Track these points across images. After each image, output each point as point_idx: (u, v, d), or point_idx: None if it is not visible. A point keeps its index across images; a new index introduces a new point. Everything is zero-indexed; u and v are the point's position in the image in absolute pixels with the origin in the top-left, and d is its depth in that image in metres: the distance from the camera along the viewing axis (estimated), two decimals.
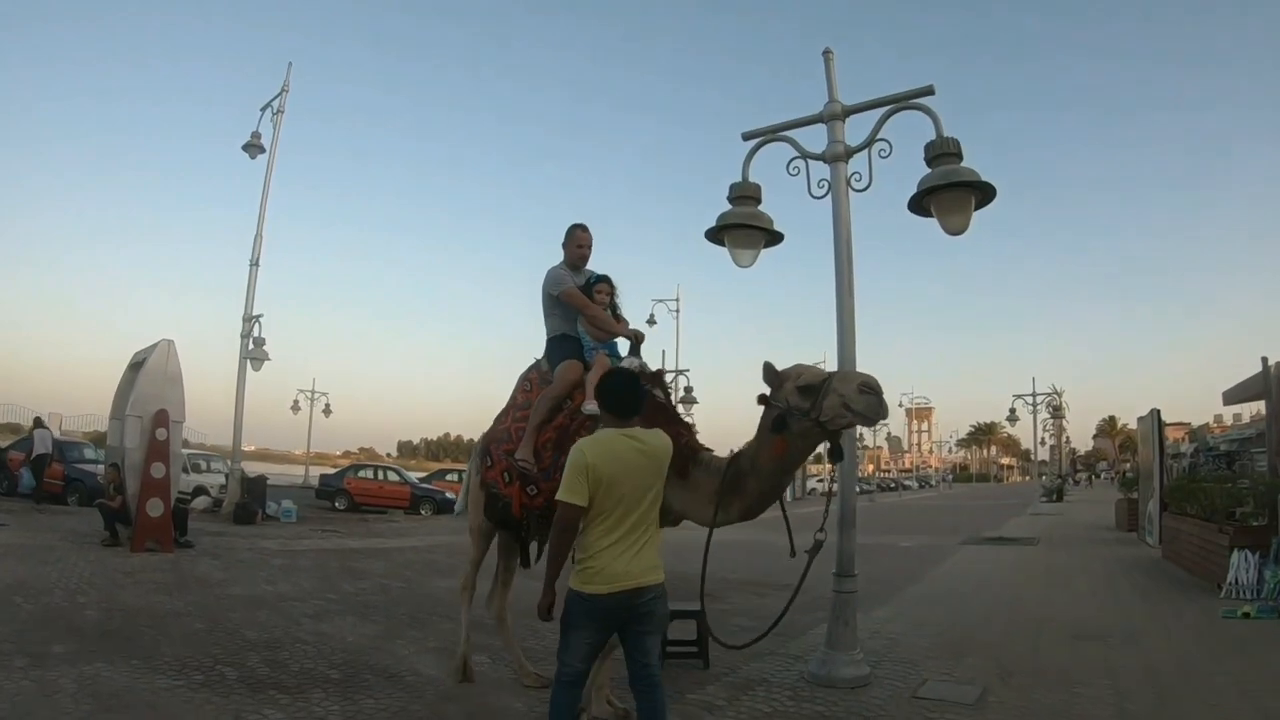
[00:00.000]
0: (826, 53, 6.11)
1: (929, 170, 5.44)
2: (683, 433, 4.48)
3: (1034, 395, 33.62)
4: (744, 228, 6.25)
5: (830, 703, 5.23)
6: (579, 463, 3.42)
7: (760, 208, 6.33)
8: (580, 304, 5.14)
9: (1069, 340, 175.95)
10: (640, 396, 3.68)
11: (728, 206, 6.33)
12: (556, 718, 3.48)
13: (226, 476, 20.33)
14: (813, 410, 3.81)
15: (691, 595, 4.49)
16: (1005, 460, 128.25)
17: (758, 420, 4.15)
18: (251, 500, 19.02)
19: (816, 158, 6.06)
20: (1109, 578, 11.82)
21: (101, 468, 15.40)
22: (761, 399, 4.17)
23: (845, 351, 5.85)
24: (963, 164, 5.33)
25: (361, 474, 27.77)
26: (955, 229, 5.46)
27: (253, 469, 27.32)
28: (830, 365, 5.28)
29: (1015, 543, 17.16)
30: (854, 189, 5.90)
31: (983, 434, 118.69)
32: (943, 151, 5.38)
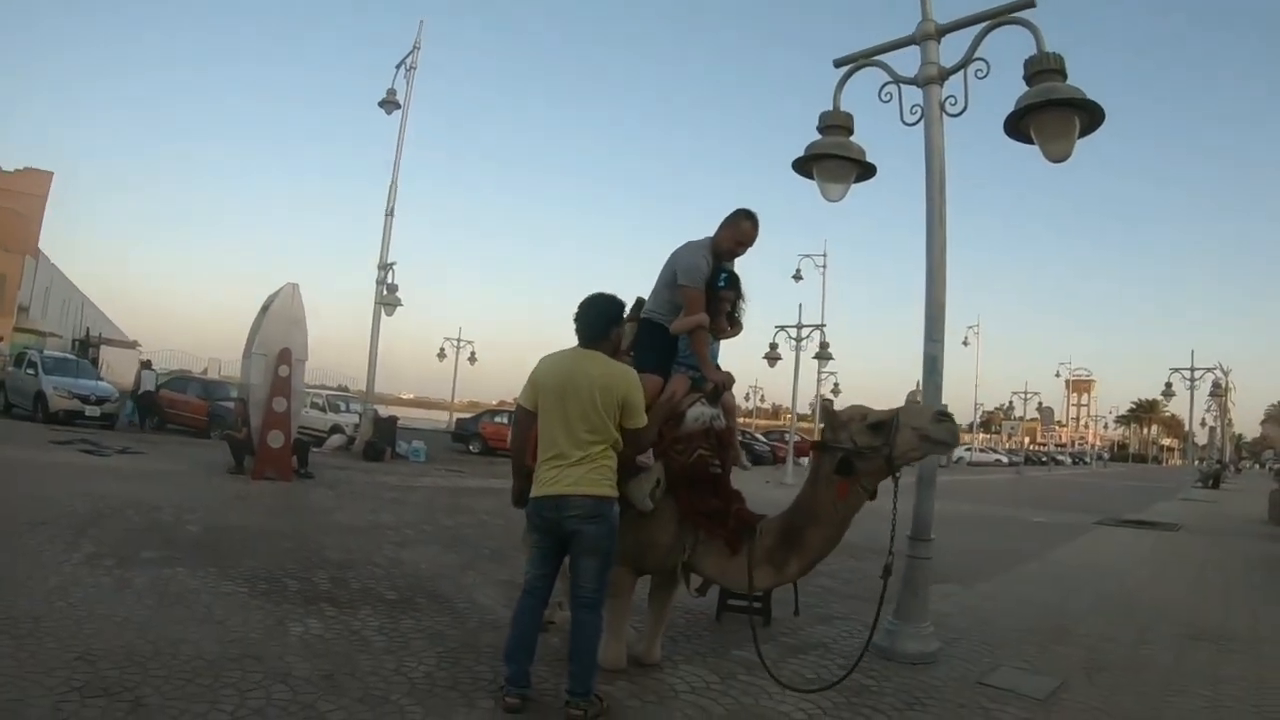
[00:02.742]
0: None
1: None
2: (733, 503, 4.26)
3: (1192, 370, 31.12)
4: (833, 158, 5.82)
5: (882, 677, 4.77)
6: (533, 371, 3.84)
7: (859, 141, 5.87)
8: (693, 323, 4.40)
9: (1247, 314, 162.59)
10: (601, 324, 3.82)
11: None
12: (514, 620, 3.86)
13: (360, 415, 21.22)
14: (883, 447, 3.81)
15: None
16: (1166, 441, 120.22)
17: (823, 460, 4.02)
18: (381, 439, 19.85)
19: (909, 82, 5.55)
20: (1246, 575, 10.62)
21: None
22: (816, 445, 4.10)
23: (934, 291, 5.40)
24: (1067, 82, 4.75)
25: (497, 419, 27.52)
26: (1057, 155, 4.89)
27: (402, 414, 28.57)
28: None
29: (1155, 527, 15.85)
30: (948, 113, 5.38)
31: (1144, 412, 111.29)
32: (1043, 68, 4.80)
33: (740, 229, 4.58)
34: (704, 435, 4.34)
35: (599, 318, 3.82)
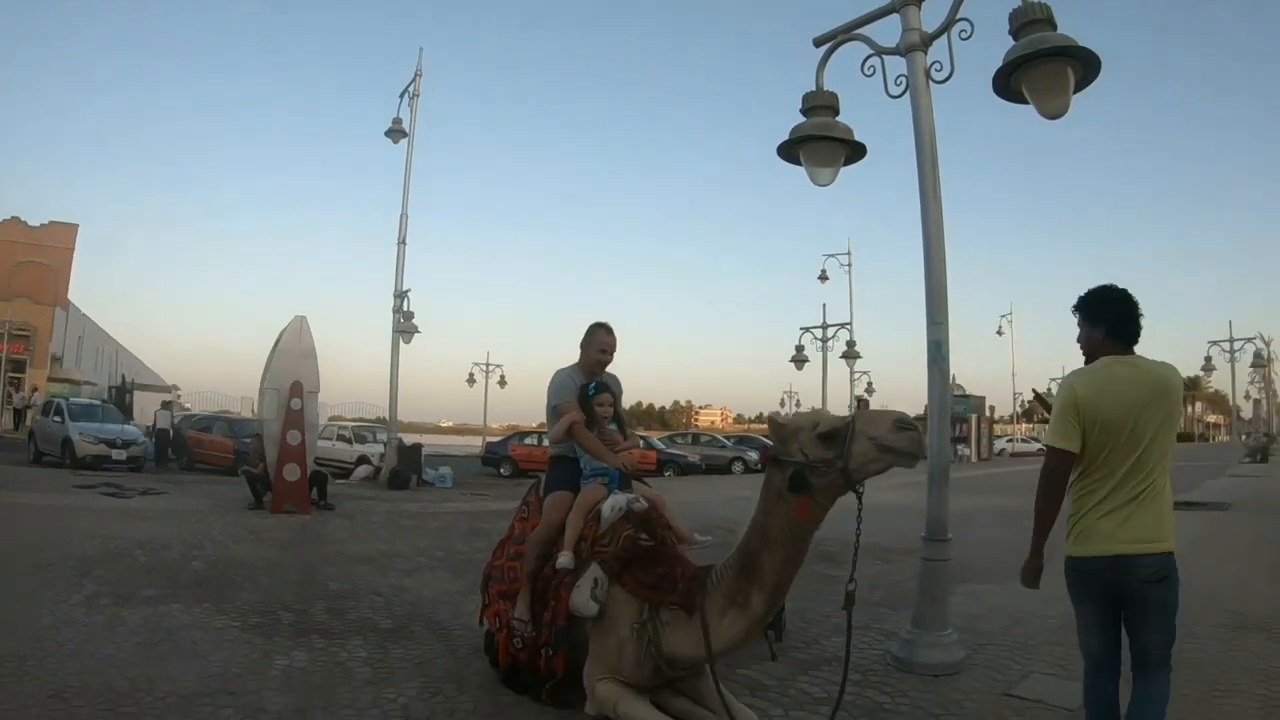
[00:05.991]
0: None
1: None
2: (683, 569, 3.88)
3: (1231, 342, 30.34)
4: (819, 139, 5.55)
5: (898, 692, 4.42)
6: (1068, 399, 3.10)
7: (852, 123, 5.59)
8: (566, 421, 4.45)
9: None
10: (1138, 318, 3.20)
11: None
12: (1087, 705, 3.31)
13: (385, 445, 21.15)
14: (838, 460, 3.28)
15: None
16: (1211, 418, 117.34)
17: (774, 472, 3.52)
18: (406, 467, 19.76)
19: (892, 52, 5.27)
20: None
21: None
22: (766, 458, 3.67)
23: (933, 268, 5.10)
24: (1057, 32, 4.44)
25: (527, 440, 27.35)
26: (1052, 111, 4.57)
27: (441, 441, 28.41)
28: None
29: (1202, 508, 15.30)
30: (934, 80, 5.10)
31: (1186, 389, 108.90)
32: (1031, 19, 4.50)
33: (597, 339, 4.72)
34: (626, 521, 4.09)
35: (1138, 317, 3.23)
